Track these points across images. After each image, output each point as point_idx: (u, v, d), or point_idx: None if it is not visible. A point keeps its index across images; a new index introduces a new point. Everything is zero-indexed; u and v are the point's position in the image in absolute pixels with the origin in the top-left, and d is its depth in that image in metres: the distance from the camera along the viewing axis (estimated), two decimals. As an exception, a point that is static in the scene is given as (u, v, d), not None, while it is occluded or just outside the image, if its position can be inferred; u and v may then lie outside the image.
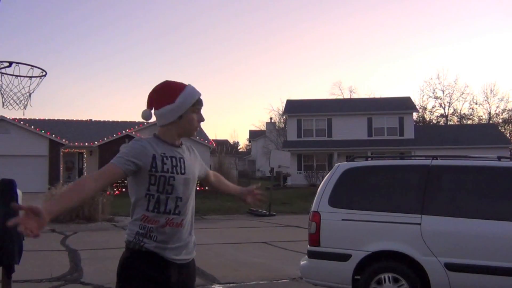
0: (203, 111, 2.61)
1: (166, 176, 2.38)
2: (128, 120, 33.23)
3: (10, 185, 5.54)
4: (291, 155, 34.47)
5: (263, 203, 3.03)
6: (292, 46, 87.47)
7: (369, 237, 5.18)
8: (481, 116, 52.92)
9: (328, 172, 6.46)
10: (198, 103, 2.54)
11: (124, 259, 2.44)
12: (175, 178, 2.40)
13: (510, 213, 4.91)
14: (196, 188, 2.59)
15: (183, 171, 2.45)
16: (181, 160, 2.47)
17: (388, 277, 4.97)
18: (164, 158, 2.39)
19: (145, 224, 2.38)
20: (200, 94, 2.56)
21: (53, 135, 27.88)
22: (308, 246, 5.50)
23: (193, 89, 2.55)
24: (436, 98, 53.68)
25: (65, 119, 34.21)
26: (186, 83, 2.58)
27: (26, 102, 6.51)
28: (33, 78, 6.43)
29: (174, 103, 2.45)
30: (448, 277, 4.78)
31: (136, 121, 32.57)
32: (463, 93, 60.48)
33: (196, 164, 2.62)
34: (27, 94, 6.45)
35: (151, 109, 2.52)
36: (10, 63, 6.28)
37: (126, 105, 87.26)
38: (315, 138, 35.38)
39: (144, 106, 2.56)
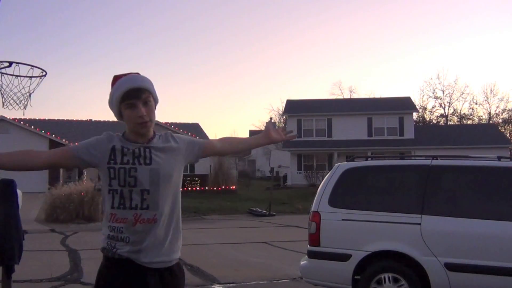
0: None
1: (126, 168, 2.19)
2: (128, 120, 33.19)
3: (10, 185, 5.54)
4: (291, 155, 34.61)
5: (292, 137, 2.84)
6: (292, 46, 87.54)
7: (369, 237, 5.18)
8: (481, 116, 53.02)
9: (328, 172, 6.46)
10: (128, 96, 2.20)
11: (100, 268, 2.27)
12: (137, 169, 2.20)
13: (510, 213, 4.91)
14: (184, 187, 2.53)
15: (148, 161, 2.22)
16: (147, 150, 2.25)
17: (388, 277, 4.97)
18: (125, 149, 2.23)
19: (115, 224, 2.20)
20: (129, 86, 2.20)
21: (53, 135, 27.90)
22: (308, 246, 5.50)
23: (124, 82, 2.23)
24: (436, 98, 53.79)
25: (65, 119, 34.26)
26: (127, 75, 2.28)
27: (26, 102, 6.50)
28: (33, 78, 6.42)
29: (113, 89, 2.26)
30: (448, 277, 4.78)
31: (136, 121, 32.55)
32: (463, 93, 60.62)
33: (175, 153, 2.34)
34: (27, 94, 6.44)
35: None
36: (10, 63, 6.27)
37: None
38: (315, 138, 35.37)
39: None
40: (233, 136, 2.84)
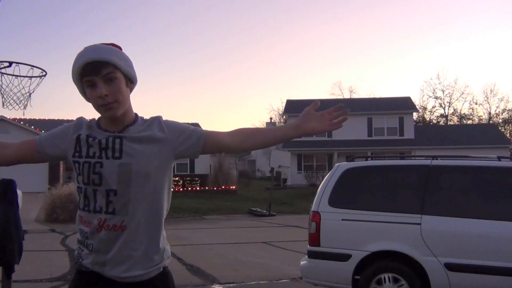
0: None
1: (91, 162, 1.80)
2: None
3: (10, 185, 5.54)
4: (291, 155, 34.60)
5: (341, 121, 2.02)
6: (292, 46, 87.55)
7: (369, 237, 5.18)
8: (481, 116, 53.00)
9: (328, 172, 6.46)
10: (85, 72, 1.76)
11: (70, 283, 1.95)
12: (103, 164, 1.79)
13: (510, 213, 4.91)
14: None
15: (117, 155, 1.80)
16: (117, 140, 1.82)
17: (388, 277, 4.97)
18: (90, 139, 1.84)
19: (82, 227, 1.86)
20: (86, 58, 1.75)
21: (53, 135, 27.88)
22: (308, 246, 5.50)
23: (82, 55, 1.78)
24: (436, 98, 53.80)
25: (65, 119, 34.23)
26: (89, 46, 1.82)
27: (26, 102, 6.50)
28: (33, 78, 6.42)
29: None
30: (448, 277, 4.78)
31: (136, 121, 32.54)
32: (463, 93, 60.77)
33: (158, 145, 1.85)
34: (27, 94, 6.44)
35: None
36: (10, 63, 6.28)
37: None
38: (315, 138, 35.34)
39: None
40: (249, 127, 2.18)
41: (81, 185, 1.83)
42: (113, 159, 1.80)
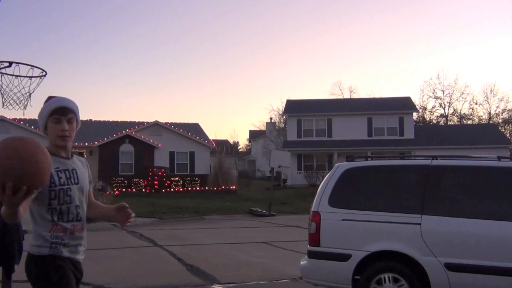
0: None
1: (64, 188, 2.61)
2: (128, 120, 33.19)
3: (10, 185, 5.53)
4: (291, 155, 34.55)
5: (128, 223, 3.02)
6: (292, 46, 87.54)
7: (369, 237, 5.18)
8: (481, 116, 52.97)
9: (328, 172, 6.45)
10: (56, 112, 2.63)
11: (48, 266, 2.64)
12: (71, 189, 2.65)
13: (510, 213, 4.91)
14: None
15: (76, 181, 2.69)
16: (74, 171, 2.70)
17: (388, 277, 4.96)
18: (59, 173, 2.60)
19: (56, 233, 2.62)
20: (58, 104, 2.66)
21: (53, 135, 27.85)
22: (308, 246, 5.49)
23: (54, 100, 2.68)
24: (436, 98, 53.73)
25: (65, 119, 34.16)
26: (59, 96, 2.73)
27: (26, 102, 6.51)
28: (33, 78, 6.43)
29: (39, 114, 2.68)
30: (448, 277, 4.78)
31: (136, 121, 32.55)
32: (463, 93, 60.50)
33: (86, 175, 2.83)
34: (27, 94, 6.45)
35: None
36: (10, 63, 6.28)
37: (126, 105, 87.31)
38: (315, 138, 35.37)
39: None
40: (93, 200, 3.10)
41: (55, 206, 2.60)
42: (75, 184, 2.68)
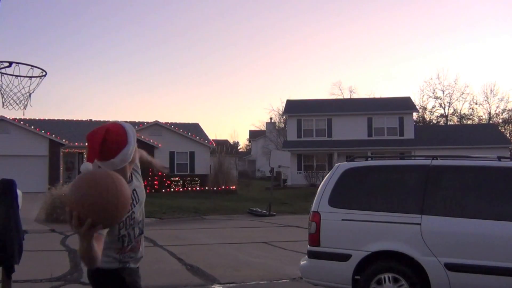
0: None
1: (129, 214, 2.60)
2: (128, 120, 33.22)
3: (10, 185, 5.55)
4: (291, 155, 34.57)
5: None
6: (292, 46, 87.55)
7: (369, 237, 5.18)
8: (481, 116, 52.97)
9: (328, 172, 6.45)
10: None
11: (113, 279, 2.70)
12: (134, 212, 2.66)
13: (510, 213, 4.91)
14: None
15: (137, 200, 2.69)
16: (134, 191, 2.67)
17: (388, 277, 4.97)
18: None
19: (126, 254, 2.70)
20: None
21: (53, 135, 27.86)
22: (308, 246, 5.50)
23: (129, 124, 2.59)
24: (436, 98, 53.75)
25: (65, 119, 34.19)
26: (119, 123, 2.54)
27: (26, 102, 6.50)
28: (33, 78, 6.42)
29: (129, 143, 2.46)
30: (448, 277, 4.78)
31: (136, 121, 32.55)
32: (463, 93, 60.61)
33: (142, 184, 2.80)
34: (27, 94, 6.44)
35: (103, 160, 2.36)
36: (10, 63, 6.28)
37: (126, 105, 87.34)
38: (315, 138, 35.38)
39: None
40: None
41: (124, 233, 2.64)
42: (137, 204, 2.70)
